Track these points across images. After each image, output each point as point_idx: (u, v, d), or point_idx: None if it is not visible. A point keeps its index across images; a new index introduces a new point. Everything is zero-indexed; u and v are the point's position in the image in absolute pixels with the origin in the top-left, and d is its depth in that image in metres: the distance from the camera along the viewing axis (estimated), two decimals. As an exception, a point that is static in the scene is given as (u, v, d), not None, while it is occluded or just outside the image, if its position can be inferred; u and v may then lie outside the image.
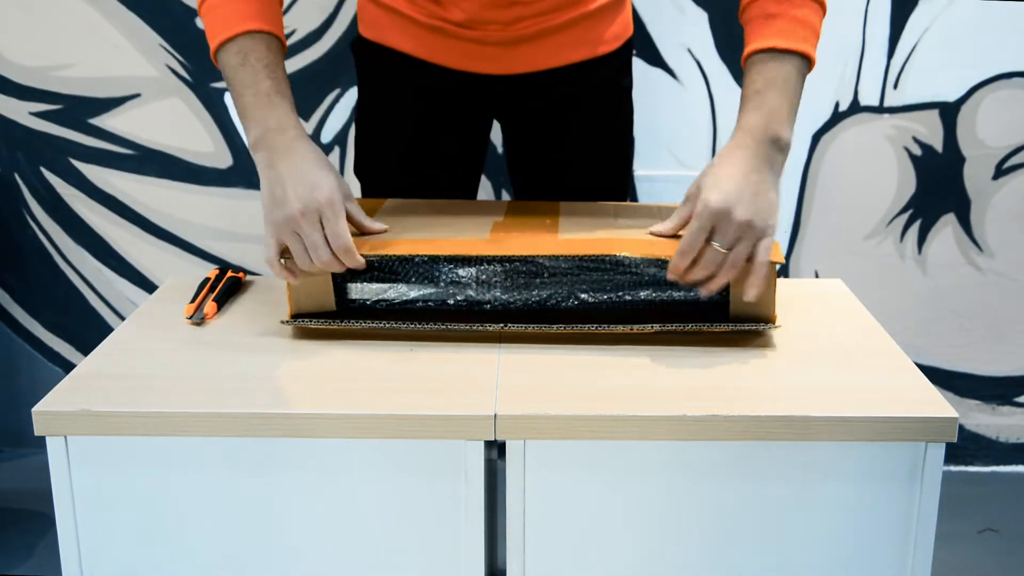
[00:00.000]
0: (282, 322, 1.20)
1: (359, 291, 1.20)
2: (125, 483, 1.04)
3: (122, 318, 2.27)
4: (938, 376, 2.29)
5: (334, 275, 1.19)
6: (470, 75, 1.47)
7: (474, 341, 1.18)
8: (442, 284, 1.18)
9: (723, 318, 1.18)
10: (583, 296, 1.19)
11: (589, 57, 1.51)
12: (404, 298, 1.20)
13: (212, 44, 1.19)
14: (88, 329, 2.31)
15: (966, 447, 2.34)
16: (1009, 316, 2.25)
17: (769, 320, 1.18)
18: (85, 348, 2.32)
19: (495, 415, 1.01)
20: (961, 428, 2.32)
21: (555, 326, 1.18)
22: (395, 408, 1.02)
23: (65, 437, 1.03)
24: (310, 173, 1.14)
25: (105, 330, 2.27)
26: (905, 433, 1.01)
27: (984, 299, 2.24)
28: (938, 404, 1.03)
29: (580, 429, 1.01)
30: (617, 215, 1.32)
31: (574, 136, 1.55)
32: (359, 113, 1.59)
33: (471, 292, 1.18)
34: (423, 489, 1.04)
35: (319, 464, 1.03)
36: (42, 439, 1.03)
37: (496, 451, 1.05)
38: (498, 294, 1.19)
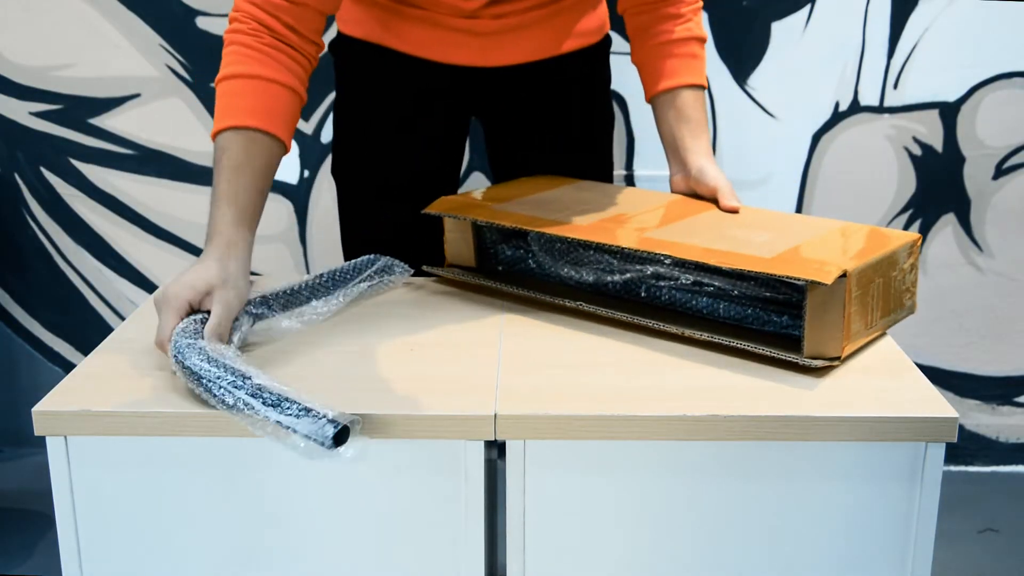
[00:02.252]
0: (425, 268, 1.36)
1: (500, 254, 1.36)
2: (125, 483, 1.04)
3: (122, 318, 2.28)
4: (938, 376, 2.29)
5: (477, 238, 1.34)
6: (454, 68, 1.48)
7: (477, 336, 1.18)
8: (568, 265, 1.29)
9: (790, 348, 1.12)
10: (675, 294, 1.22)
11: (573, 49, 1.52)
12: (537, 270, 1.32)
13: (216, 125, 1.21)
14: (88, 329, 2.31)
15: (966, 447, 2.34)
16: (1009, 316, 2.25)
17: (834, 356, 1.10)
18: (85, 348, 2.32)
19: (495, 415, 1.01)
20: (961, 428, 2.32)
21: (625, 315, 1.20)
22: (395, 408, 1.02)
23: (65, 437, 1.03)
24: (194, 272, 1.12)
25: (105, 330, 2.28)
26: (905, 433, 1.01)
27: (984, 299, 2.24)
28: (938, 404, 1.03)
29: (580, 429, 1.01)
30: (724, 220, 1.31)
31: (557, 130, 1.56)
32: (337, 113, 1.59)
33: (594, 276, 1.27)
34: (423, 489, 1.04)
35: (319, 464, 1.03)
36: (42, 439, 1.03)
37: (496, 451, 1.05)
38: (616, 277, 1.25)
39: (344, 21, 1.54)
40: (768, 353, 1.11)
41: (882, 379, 1.09)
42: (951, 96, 2.13)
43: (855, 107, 2.14)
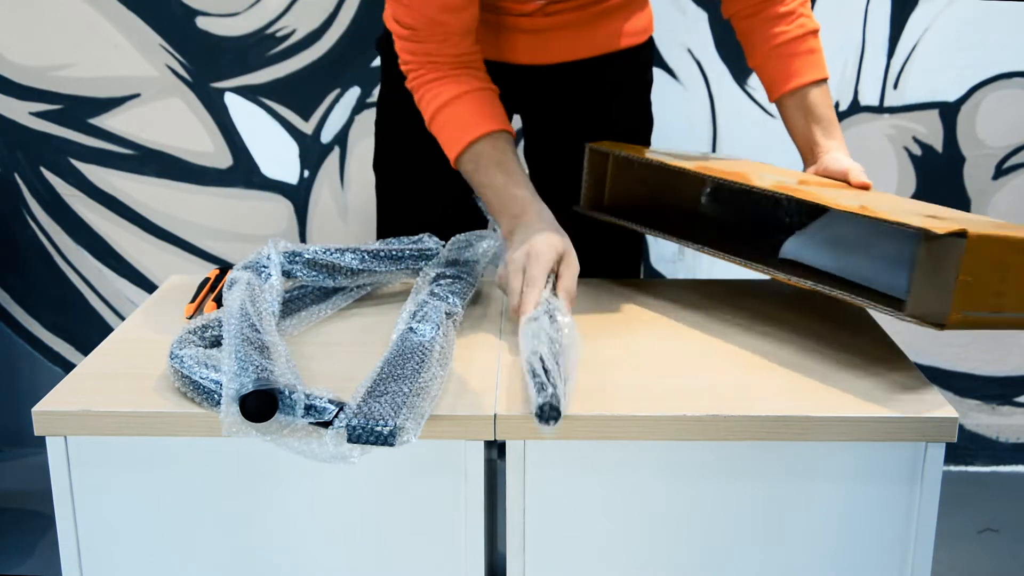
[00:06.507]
0: (576, 208, 1.41)
1: None
2: (125, 483, 1.04)
3: (122, 318, 2.28)
4: (938, 376, 2.29)
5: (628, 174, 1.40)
6: (499, 65, 1.47)
7: (477, 336, 1.18)
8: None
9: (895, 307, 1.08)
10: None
11: (618, 48, 1.51)
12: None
13: (450, 157, 1.34)
14: (88, 329, 2.31)
15: (966, 447, 2.34)
16: (1009, 316, 2.25)
17: (942, 323, 1.05)
18: (85, 348, 2.32)
19: (495, 415, 1.01)
20: (961, 428, 2.32)
21: (746, 262, 1.23)
22: (395, 408, 1.02)
23: (65, 437, 1.03)
24: (529, 241, 1.22)
25: (105, 330, 2.28)
26: (905, 433, 1.01)
27: (984, 299, 2.24)
28: (938, 404, 1.03)
29: (580, 429, 1.01)
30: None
31: (597, 129, 1.55)
32: (381, 108, 1.59)
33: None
34: (423, 489, 1.04)
35: (320, 464, 1.03)
36: (42, 439, 1.03)
37: (496, 451, 1.05)
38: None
39: (390, 18, 1.54)
40: (867, 305, 1.08)
41: (882, 379, 1.09)
42: (951, 96, 2.13)
43: (855, 107, 2.14)
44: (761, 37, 1.42)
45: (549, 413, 0.95)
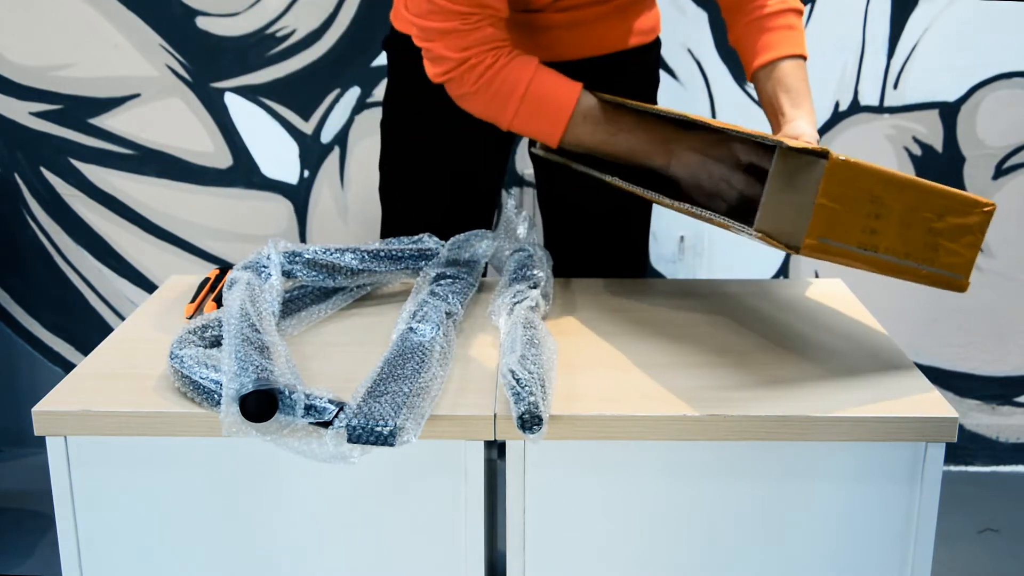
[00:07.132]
0: (532, 150, 1.38)
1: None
2: (125, 483, 1.04)
3: (122, 318, 2.28)
4: (938, 376, 2.29)
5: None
6: None
7: (477, 336, 1.18)
8: None
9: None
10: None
11: (628, 47, 1.51)
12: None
13: (555, 133, 1.29)
14: (88, 329, 2.31)
15: (966, 447, 2.34)
16: (1009, 316, 2.25)
17: (797, 245, 1.03)
18: (85, 348, 2.32)
19: (495, 415, 1.01)
20: (961, 428, 2.32)
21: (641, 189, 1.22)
22: (395, 408, 1.02)
23: (65, 437, 1.03)
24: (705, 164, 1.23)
25: (105, 330, 2.28)
26: (905, 433, 1.01)
27: (984, 299, 2.24)
28: (938, 404, 1.03)
29: (580, 429, 1.01)
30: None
31: None
32: (387, 108, 1.58)
33: None
34: (423, 489, 1.04)
35: (320, 464, 1.03)
36: (42, 439, 1.03)
37: (496, 451, 1.05)
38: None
39: (399, 19, 1.53)
40: (722, 221, 1.08)
41: (882, 379, 1.09)
42: (951, 96, 2.13)
43: (855, 107, 2.14)
44: (741, 12, 1.40)
45: (531, 421, 0.96)
